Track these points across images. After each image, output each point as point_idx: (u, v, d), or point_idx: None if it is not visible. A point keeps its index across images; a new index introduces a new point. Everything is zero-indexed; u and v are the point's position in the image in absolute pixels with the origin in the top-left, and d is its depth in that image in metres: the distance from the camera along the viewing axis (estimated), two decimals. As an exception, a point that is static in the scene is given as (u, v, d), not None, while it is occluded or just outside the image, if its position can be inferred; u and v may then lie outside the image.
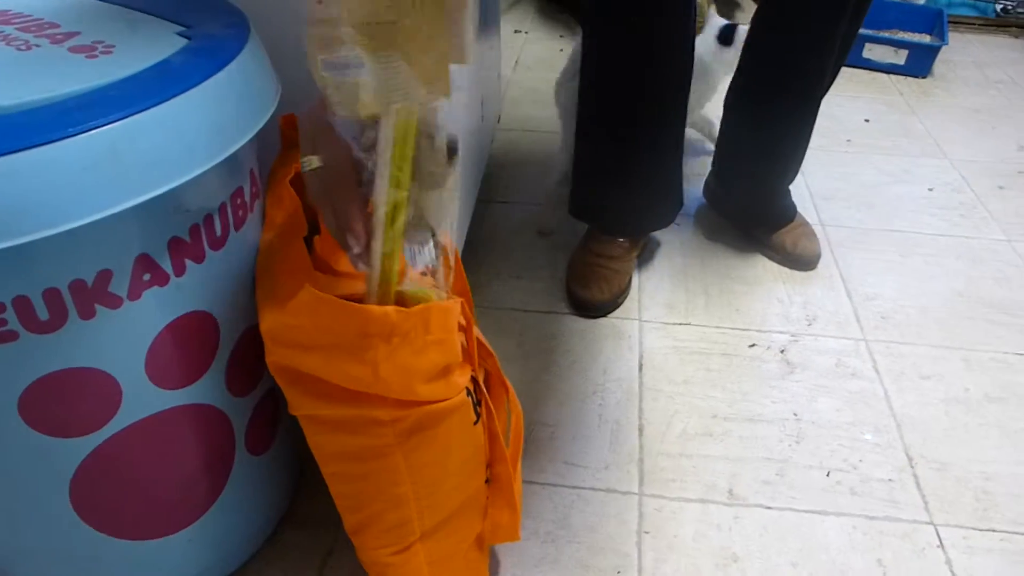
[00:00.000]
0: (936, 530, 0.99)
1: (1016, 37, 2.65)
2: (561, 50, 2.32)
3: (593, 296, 1.32)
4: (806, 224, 1.47)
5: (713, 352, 1.24)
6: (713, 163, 1.51)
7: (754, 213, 1.47)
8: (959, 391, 1.19)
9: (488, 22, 1.49)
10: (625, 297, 1.34)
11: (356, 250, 0.63)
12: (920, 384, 1.20)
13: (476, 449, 0.79)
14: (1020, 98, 2.19)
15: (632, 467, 1.05)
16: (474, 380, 0.76)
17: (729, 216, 1.52)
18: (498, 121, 1.84)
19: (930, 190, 1.72)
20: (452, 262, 0.71)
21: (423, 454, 0.74)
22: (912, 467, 1.07)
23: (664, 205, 1.35)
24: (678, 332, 1.28)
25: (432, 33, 0.56)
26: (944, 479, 1.05)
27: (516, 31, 2.48)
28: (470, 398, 0.74)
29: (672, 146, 1.27)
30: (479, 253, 1.45)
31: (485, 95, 1.50)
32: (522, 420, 0.87)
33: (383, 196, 0.61)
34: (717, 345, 1.26)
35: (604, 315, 1.31)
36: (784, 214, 1.46)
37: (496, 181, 1.67)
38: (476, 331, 0.79)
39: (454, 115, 0.62)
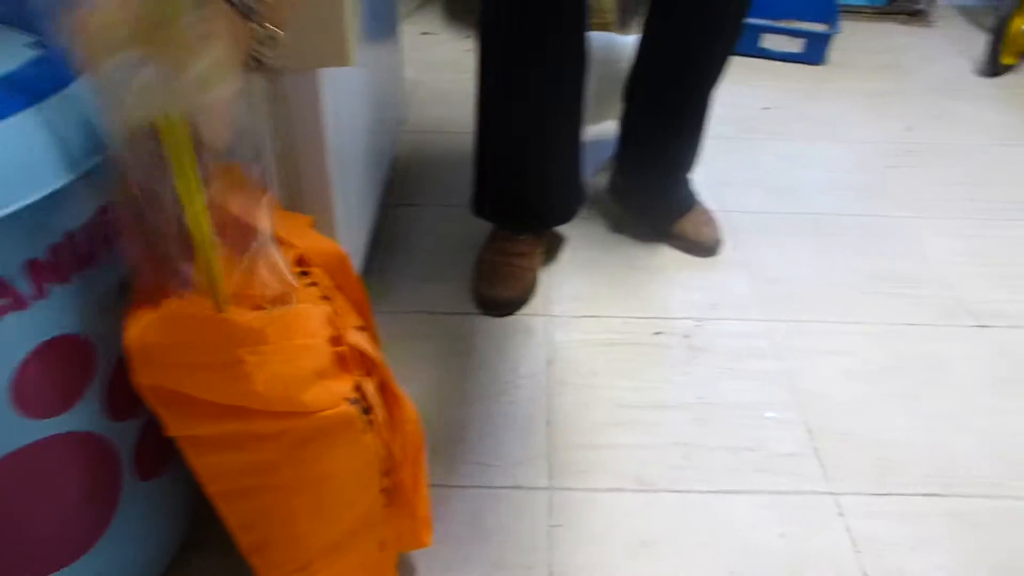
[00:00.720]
0: (836, 499, 1.02)
1: (903, 24, 2.75)
2: (468, 51, 2.32)
3: (500, 295, 1.32)
4: (707, 211, 1.50)
5: (620, 342, 1.26)
6: (615, 157, 1.53)
7: (657, 204, 1.49)
8: (858, 364, 1.23)
9: (382, 25, 1.48)
10: (532, 294, 1.35)
11: (180, 274, 0.61)
12: (821, 360, 1.24)
13: (369, 458, 0.77)
14: (908, 81, 2.28)
15: (542, 462, 1.05)
16: (359, 388, 0.74)
17: (633, 209, 1.54)
18: (402, 124, 1.83)
19: (828, 172, 1.78)
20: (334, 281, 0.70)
21: (313, 467, 0.73)
22: (813, 440, 1.10)
23: (565, 199, 1.36)
24: (586, 325, 1.29)
25: (210, 32, 0.51)
26: (844, 449, 1.08)
27: (424, 33, 2.47)
28: (356, 406, 0.73)
29: (570, 141, 1.28)
30: (388, 257, 1.43)
31: (383, 98, 1.48)
32: (419, 426, 0.86)
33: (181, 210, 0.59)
34: (623, 335, 1.27)
35: (511, 313, 1.31)
36: (685, 202, 1.49)
37: (404, 184, 1.66)
38: (357, 338, 0.78)
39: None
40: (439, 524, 0.96)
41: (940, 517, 1.00)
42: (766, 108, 2.07)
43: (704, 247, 1.45)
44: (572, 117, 1.26)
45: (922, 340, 1.28)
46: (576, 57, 1.21)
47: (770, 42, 2.35)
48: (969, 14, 2.83)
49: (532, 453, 1.06)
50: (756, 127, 1.96)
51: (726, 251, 1.48)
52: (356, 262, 1.30)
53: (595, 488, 1.02)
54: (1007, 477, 1.06)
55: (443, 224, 1.53)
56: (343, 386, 0.71)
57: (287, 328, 0.64)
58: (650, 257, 1.46)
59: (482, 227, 1.46)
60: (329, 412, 0.69)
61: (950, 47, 2.55)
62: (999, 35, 2.29)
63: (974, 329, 1.31)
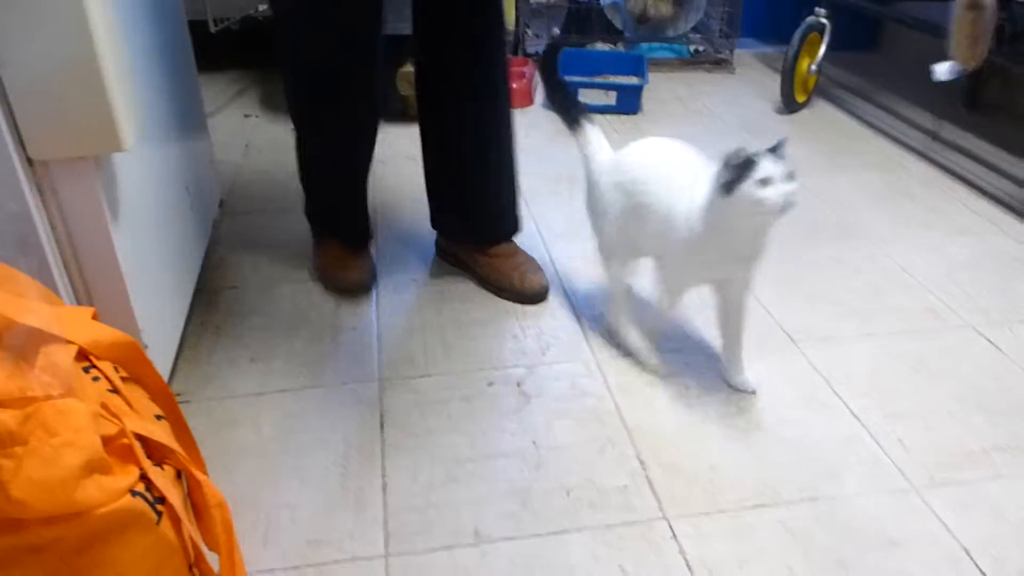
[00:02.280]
0: (669, 524, 1.04)
1: (709, 72, 2.97)
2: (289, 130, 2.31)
3: (356, 277, 1.51)
4: (531, 259, 1.54)
5: (453, 398, 1.25)
6: (425, 184, 1.57)
7: (472, 224, 1.54)
8: (681, 391, 1.28)
9: (184, 111, 1.45)
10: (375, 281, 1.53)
11: None
12: (647, 391, 1.28)
13: (167, 552, 0.73)
14: (716, 123, 2.45)
15: (377, 530, 1.02)
16: (145, 479, 0.70)
17: (453, 234, 1.59)
18: (220, 205, 1.79)
19: (646, 213, 1.86)
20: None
21: (103, 571, 0.68)
22: (646, 471, 1.12)
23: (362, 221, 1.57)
24: (419, 385, 1.28)
25: None
26: (675, 476, 1.12)
27: (246, 115, 2.45)
28: (141, 498, 0.69)
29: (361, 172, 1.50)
30: (213, 341, 1.38)
31: (192, 183, 1.45)
32: (226, 511, 0.82)
33: None
34: (457, 391, 1.27)
35: (367, 292, 1.51)
36: (503, 226, 1.55)
37: (226, 267, 1.61)
38: (148, 428, 0.74)
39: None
40: (270, 611, 0.91)
41: (768, 527, 1.04)
42: (587, 159, 2.15)
43: (531, 294, 1.49)
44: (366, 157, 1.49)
45: (740, 361, 1.34)
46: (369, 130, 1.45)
47: (587, 97, 2.47)
48: (766, 60, 3.09)
49: (366, 523, 1.03)
50: (579, 179, 2.04)
51: (554, 297, 1.52)
52: (170, 349, 1.25)
53: (432, 548, 1.00)
54: (821, 480, 1.12)
55: (268, 304, 1.50)
56: (124, 479, 0.67)
57: (46, 426, 0.60)
58: (481, 310, 1.47)
59: (309, 300, 1.45)
60: (108, 508, 0.65)
61: (752, 90, 2.77)
62: (789, 76, 2.51)
63: (787, 349, 1.39)
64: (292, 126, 1.46)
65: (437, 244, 1.63)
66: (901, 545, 1.03)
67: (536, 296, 1.49)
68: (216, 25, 2.33)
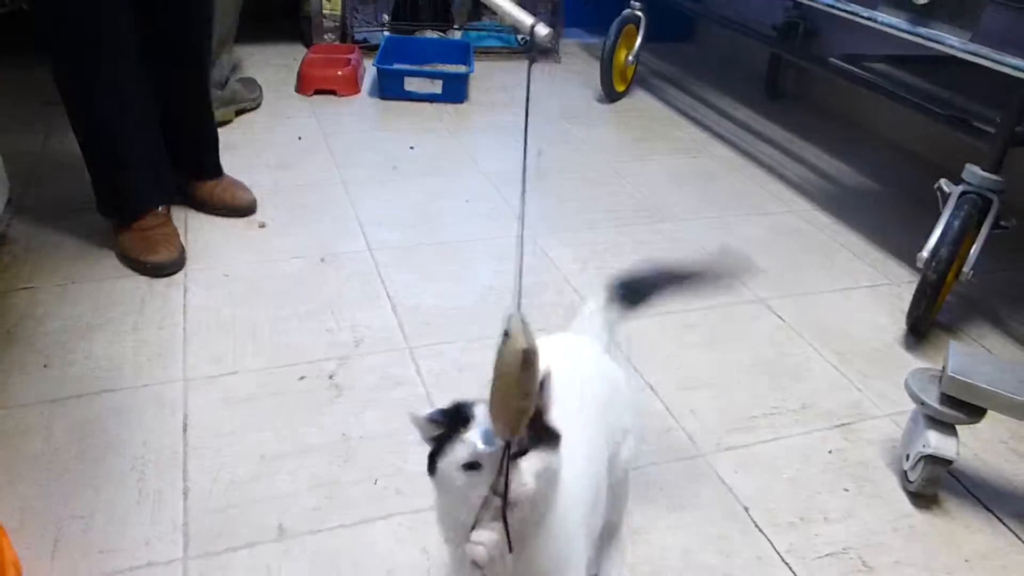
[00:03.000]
0: (474, 505, 1.07)
1: (535, 61, 3.04)
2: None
3: (166, 256, 1.51)
4: (239, 181, 1.78)
5: (263, 394, 1.24)
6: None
7: (181, 164, 1.70)
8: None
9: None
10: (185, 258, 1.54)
11: None
12: (457, 377, 1.31)
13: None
14: (539, 112, 2.51)
15: (176, 534, 1.00)
16: None
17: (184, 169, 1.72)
18: (9, 202, 1.67)
19: (467, 201, 1.90)
20: None
21: None
22: (453, 454, 1.15)
23: (156, 178, 1.59)
24: (226, 383, 1.26)
25: None
26: (480, 457, 1.15)
27: (45, 103, 2.28)
28: None
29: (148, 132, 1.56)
30: (4, 348, 1.29)
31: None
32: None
33: None
34: (267, 386, 1.25)
35: (178, 271, 1.52)
36: (211, 167, 1.75)
37: (20, 266, 1.51)
38: None
39: None
40: (54, 629, 0.87)
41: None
42: (412, 147, 2.17)
43: (243, 208, 1.73)
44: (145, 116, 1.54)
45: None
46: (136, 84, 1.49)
47: (413, 85, 2.47)
48: (590, 50, 3.19)
49: (164, 528, 1.00)
50: (403, 167, 2.05)
51: (373, 288, 1.52)
52: (-57, 359, 1.16)
53: (234, 547, 0.98)
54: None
55: (66, 304, 1.42)
56: None
57: None
58: (296, 305, 1.46)
59: (111, 299, 1.39)
60: None
61: (576, 79, 2.86)
62: (608, 66, 2.61)
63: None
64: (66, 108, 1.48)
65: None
66: (689, 508, 1.11)
67: (247, 208, 1.74)
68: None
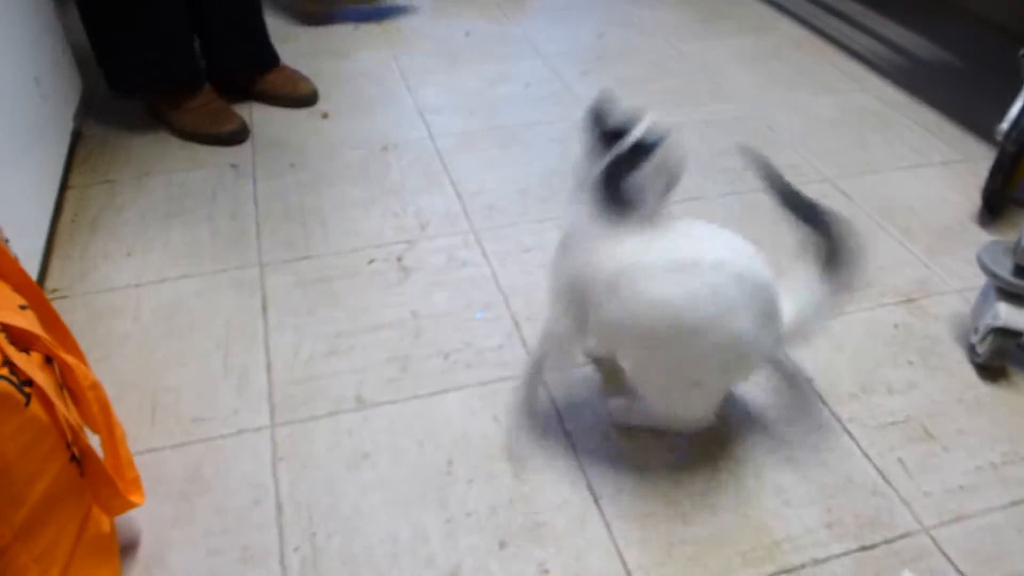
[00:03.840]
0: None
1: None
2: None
3: (237, 124, 1.61)
4: (297, 70, 1.78)
5: (335, 277, 1.28)
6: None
7: (241, 60, 1.73)
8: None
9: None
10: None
11: None
12: (522, 257, 1.33)
13: (39, 431, 0.75)
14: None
15: (262, 404, 1.06)
16: (9, 363, 0.72)
17: (226, 74, 1.72)
18: (81, 100, 1.71)
19: (527, 86, 1.88)
20: None
21: (-29, 449, 0.70)
22: (519, 330, 1.19)
23: (185, 58, 1.62)
24: (300, 267, 1.30)
25: None
26: (545, 333, 1.18)
27: None
28: (6, 381, 0.70)
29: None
30: (88, 236, 1.36)
31: (42, 74, 1.39)
32: (101, 390, 0.84)
33: None
34: (338, 270, 1.30)
35: (247, 139, 1.61)
36: (269, 56, 1.76)
37: (96, 160, 1.57)
38: (9, 317, 0.75)
39: None
40: (159, 484, 0.95)
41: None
42: (467, 34, 2.13)
43: (305, 98, 1.74)
44: None
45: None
46: None
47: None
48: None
49: (251, 399, 1.07)
50: (459, 54, 2.03)
51: (434, 173, 1.54)
52: (36, 244, 1.23)
53: (316, 416, 1.05)
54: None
55: (142, 195, 1.47)
56: (-19, 363, 0.69)
57: None
58: (361, 192, 1.49)
59: (183, 190, 1.43)
60: (-33, 391, 0.67)
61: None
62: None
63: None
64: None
65: (222, 83, 1.72)
66: (752, 378, 1.13)
67: (309, 98, 1.75)
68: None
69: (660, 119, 0.86)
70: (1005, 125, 1.40)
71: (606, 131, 0.86)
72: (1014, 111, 1.40)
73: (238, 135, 1.62)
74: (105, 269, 1.30)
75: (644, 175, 0.83)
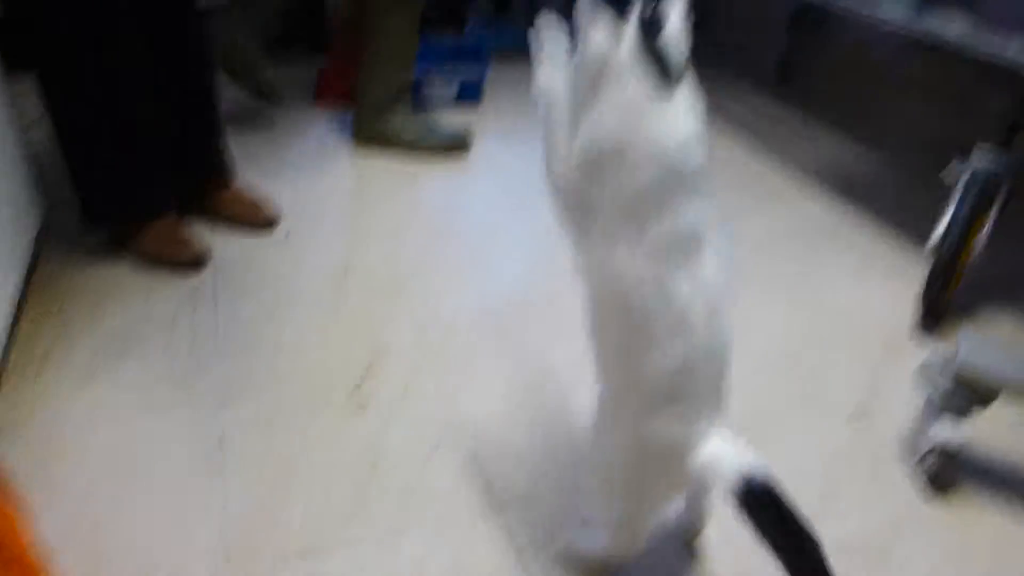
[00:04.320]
0: (496, 515, 1.11)
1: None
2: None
3: (196, 251, 1.63)
4: (261, 192, 1.83)
5: (292, 409, 1.28)
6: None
7: (201, 178, 1.77)
8: (514, 382, 1.35)
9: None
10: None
11: None
12: (480, 384, 1.34)
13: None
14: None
15: (217, 554, 1.05)
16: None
17: (186, 192, 1.74)
18: (45, 219, 1.73)
19: (488, 203, 1.93)
20: None
21: None
22: (478, 465, 1.19)
23: (159, 185, 1.65)
24: (257, 399, 1.31)
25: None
26: (502, 466, 1.19)
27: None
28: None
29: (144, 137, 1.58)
30: (34, 371, 1.35)
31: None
32: (42, 549, 0.83)
33: None
34: (296, 401, 1.30)
35: (208, 262, 1.62)
36: (228, 172, 1.80)
37: (55, 286, 1.57)
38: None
39: None
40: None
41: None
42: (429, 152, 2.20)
43: (267, 220, 1.78)
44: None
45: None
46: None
47: (430, 87, 2.50)
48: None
49: (200, 548, 1.06)
50: (420, 172, 2.09)
51: (394, 298, 1.56)
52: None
53: (266, 568, 1.03)
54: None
55: (99, 326, 1.47)
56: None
57: None
58: (324, 317, 1.50)
59: (143, 314, 1.44)
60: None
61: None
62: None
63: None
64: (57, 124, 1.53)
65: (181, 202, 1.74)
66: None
67: (272, 219, 1.79)
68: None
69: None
70: (936, 237, 1.47)
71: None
72: (944, 223, 1.47)
73: (200, 261, 1.64)
74: (55, 406, 1.29)
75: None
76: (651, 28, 0.79)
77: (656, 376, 0.80)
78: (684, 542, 1.07)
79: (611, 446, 0.89)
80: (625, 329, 0.81)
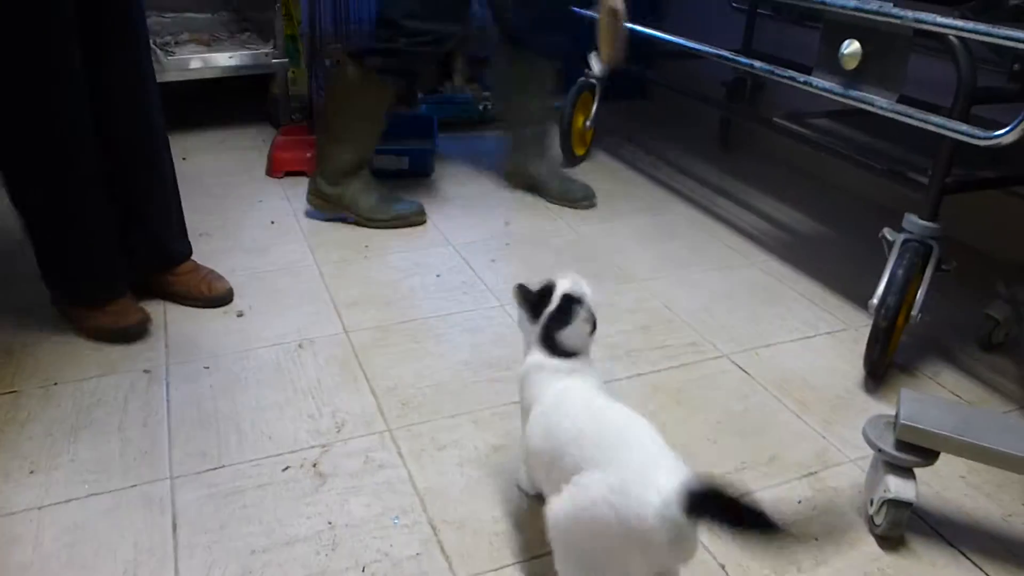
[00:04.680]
0: (459, 584, 1.11)
1: (497, 129, 3.13)
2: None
3: (137, 318, 1.65)
4: (212, 270, 1.81)
5: (248, 487, 1.27)
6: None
7: (158, 258, 1.77)
8: (470, 451, 1.36)
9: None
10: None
11: None
12: (437, 455, 1.35)
13: None
14: (502, 183, 2.59)
15: (171, 637, 1.02)
16: None
17: (145, 264, 1.75)
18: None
19: (438, 276, 1.96)
20: None
21: None
22: (436, 535, 1.19)
23: (113, 260, 1.66)
24: (212, 478, 1.29)
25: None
26: (463, 536, 1.19)
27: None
28: None
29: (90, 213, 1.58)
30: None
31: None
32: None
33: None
34: (251, 479, 1.29)
35: (147, 331, 1.65)
36: (180, 252, 1.79)
37: (1, 370, 1.54)
38: None
39: None
40: None
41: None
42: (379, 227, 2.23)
43: (220, 298, 1.78)
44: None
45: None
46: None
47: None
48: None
49: (159, 631, 1.03)
50: (373, 245, 2.11)
51: (351, 370, 1.57)
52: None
53: (228, 647, 1.01)
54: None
55: (50, 407, 1.45)
56: None
57: None
58: (276, 392, 1.50)
59: (93, 399, 1.42)
60: None
61: (536, 144, 2.94)
62: (567, 133, 2.71)
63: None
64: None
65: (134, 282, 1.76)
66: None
67: (224, 298, 1.79)
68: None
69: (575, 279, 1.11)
70: (875, 301, 1.53)
71: (533, 297, 1.11)
72: (881, 288, 1.53)
73: (141, 329, 1.65)
74: (5, 491, 1.26)
75: (577, 323, 1.08)
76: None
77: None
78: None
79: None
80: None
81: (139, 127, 1.65)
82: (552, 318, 1.08)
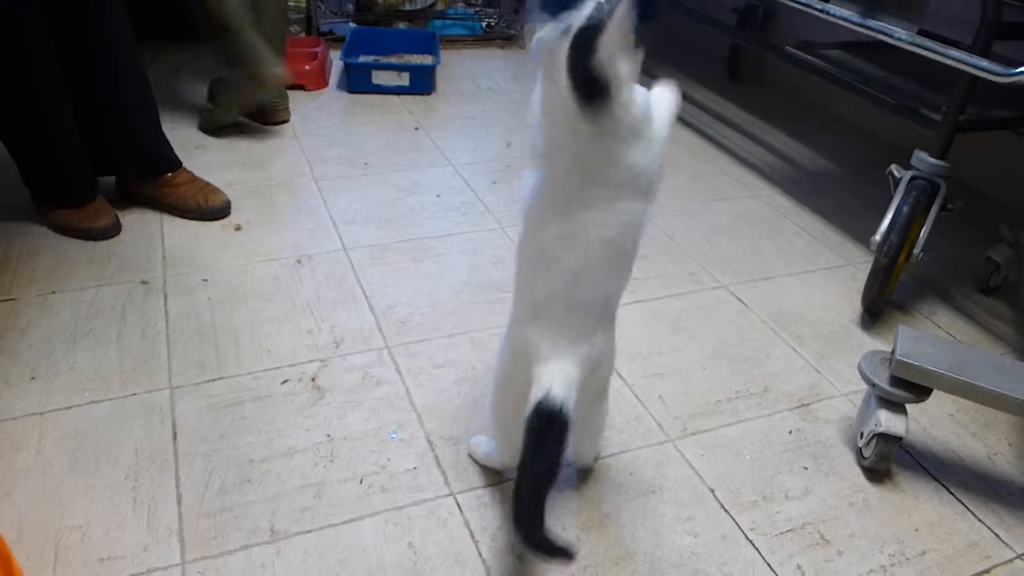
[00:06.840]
0: (455, 499, 1.13)
1: (501, 48, 3.06)
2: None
3: (107, 221, 1.67)
4: (207, 182, 1.80)
5: (247, 399, 1.28)
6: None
7: (140, 163, 1.74)
8: (467, 370, 1.37)
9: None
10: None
11: None
12: (435, 374, 1.36)
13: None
14: (506, 102, 2.55)
15: (172, 540, 1.05)
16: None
17: (126, 177, 1.76)
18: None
19: (438, 196, 1.94)
20: None
21: None
22: (433, 450, 1.21)
23: (79, 158, 1.65)
24: (211, 389, 1.30)
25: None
26: (459, 452, 1.21)
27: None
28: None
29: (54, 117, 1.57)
30: (-17, 364, 1.33)
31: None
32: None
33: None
34: (250, 391, 1.30)
35: (118, 233, 1.68)
36: (165, 155, 1.77)
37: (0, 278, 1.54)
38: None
39: None
40: (61, 636, 0.92)
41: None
42: (381, 142, 2.20)
43: (217, 210, 1.77)
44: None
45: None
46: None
47: (380, 78, 2.49)
48: (554, 34, 3.20)
49: (160, 534, 1.05)
50: (373, 162, 2.08)
51: (349, 288, 1.57)
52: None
53: (229, 550, 1.04)
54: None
55: (48, 316, 1.45)
56: None
57: None
58: (276, 309, 1.50)
59: (91, 309, 1.42)
60: None
61: (540, 66, 2.87)
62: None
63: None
64: None
65: (117, 188, 1.79)
66: (658, 492, 1.18)
67: (222, 210, 1.77)
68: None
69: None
70: (877, 238, 1.53)
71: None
72: (884, 224, 1.53)
73: (106, 231, 1.67)
74: (7, 396, 1.26)
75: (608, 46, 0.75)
76: (586, 39, 0.75)
77: (531, 296, 0.97)
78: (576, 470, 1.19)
79: (500, 348, 1.06)
80: (534, 249, 0.96)
81: (94, 21, 1.58)
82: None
